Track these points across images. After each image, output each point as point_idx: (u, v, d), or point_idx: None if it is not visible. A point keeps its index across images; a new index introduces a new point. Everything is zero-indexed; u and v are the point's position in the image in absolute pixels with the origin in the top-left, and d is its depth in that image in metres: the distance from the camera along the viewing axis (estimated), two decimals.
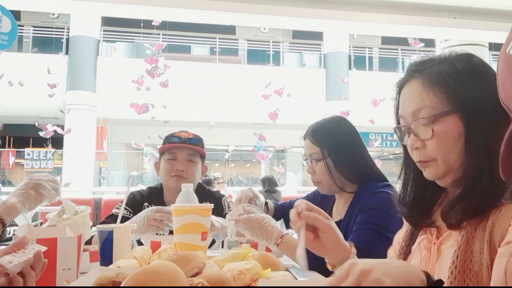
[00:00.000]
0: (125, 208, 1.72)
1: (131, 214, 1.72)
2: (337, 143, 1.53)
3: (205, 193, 1.89)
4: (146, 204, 1.79)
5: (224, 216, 1.70)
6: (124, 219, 1.61)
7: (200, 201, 1.71)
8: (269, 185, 6.65)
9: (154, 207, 1.57)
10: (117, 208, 1.77)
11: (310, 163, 1.57)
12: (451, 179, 0.86)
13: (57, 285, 0.98)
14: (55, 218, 1.32)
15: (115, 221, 1.50)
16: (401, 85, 0.91)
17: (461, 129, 0.82)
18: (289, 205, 1.78)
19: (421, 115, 0.84)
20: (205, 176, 7.48)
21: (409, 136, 0.88)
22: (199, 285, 0.63)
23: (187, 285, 0.62)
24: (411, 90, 0.87)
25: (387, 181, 1.52)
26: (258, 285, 0.94)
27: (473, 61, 0.87)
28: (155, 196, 1.86)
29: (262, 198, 1.73)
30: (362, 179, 1.52)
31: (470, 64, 0.86)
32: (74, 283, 0.92)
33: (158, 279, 0.60)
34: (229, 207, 1.89)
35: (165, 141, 1.86)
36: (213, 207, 1.38)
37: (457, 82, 0.83)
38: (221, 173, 9.25)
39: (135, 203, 1.80)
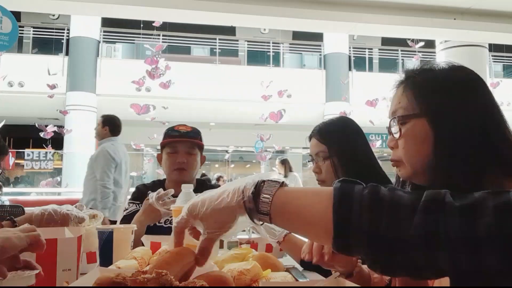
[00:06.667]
0: (133, 203, 1.87)
1: (140, 205, 1.82)
2: (343, 143, 1.54)
3: (205, 186, 2.02)
4: (149, 192, 1.84)
5: None
6: (136, 213, 1.76)
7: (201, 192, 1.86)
8: None
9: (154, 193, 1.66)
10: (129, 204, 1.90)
11: (316, 162, 1.57)
12: (422, 182, 0.86)
13: (57, 285, 0.98)
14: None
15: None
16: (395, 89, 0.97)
17: (428, 133, 0.83)
18: None
19: (395, 116, 0.88)
20: (204, 176, 7.48)
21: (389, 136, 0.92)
22: (199, 285, 0.63)
23: (188, 286, 0.62)
24: (396, 93, 0.91)
25: (391, 182, 1.52)
26: (259, 286, 0.94)
27: (461, 74, 0.87)
28: (158, 186, 1.92)
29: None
30: (366, 179, 1.51)
31: (456, 77, 0.87)
32: (74, 284, 0.92)
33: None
34: None
35: (165, 134, 1.96)
36: None
37: (432, 89, 0.85)
38: (221, 174, 9.28)
39: (141, 194, 1.90)
